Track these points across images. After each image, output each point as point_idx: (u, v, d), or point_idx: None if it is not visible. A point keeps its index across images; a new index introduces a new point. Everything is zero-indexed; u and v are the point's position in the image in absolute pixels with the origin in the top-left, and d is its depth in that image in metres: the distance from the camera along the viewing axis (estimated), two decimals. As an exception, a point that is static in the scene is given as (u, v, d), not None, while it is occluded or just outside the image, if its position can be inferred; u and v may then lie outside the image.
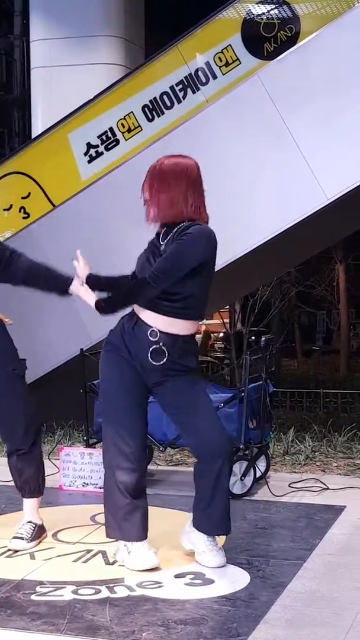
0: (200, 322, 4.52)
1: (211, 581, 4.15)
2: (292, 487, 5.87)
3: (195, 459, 4.43)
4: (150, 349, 4.26)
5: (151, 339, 4.26)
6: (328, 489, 5.83)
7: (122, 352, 4.34)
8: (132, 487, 4.33)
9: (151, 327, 4.27)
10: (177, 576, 4.22)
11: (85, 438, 6.30)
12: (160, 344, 4.25)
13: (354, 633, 3.51)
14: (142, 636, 3.53)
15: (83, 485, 5.99)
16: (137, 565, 4.29)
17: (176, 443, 5.96)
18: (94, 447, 6.25)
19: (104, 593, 4.01)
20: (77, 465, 6.03)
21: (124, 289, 4.49)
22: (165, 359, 4.26)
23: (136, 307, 4.34)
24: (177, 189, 4.35)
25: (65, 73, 11.21)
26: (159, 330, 4.26)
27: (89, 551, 4.64)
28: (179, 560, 4.46)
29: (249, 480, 5.70)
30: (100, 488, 5.86)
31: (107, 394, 4.43)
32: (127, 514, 4.32)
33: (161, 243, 4.44)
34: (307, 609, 3.79)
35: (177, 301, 4.26)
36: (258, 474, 5.84)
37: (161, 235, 4.46)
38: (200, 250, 4.28)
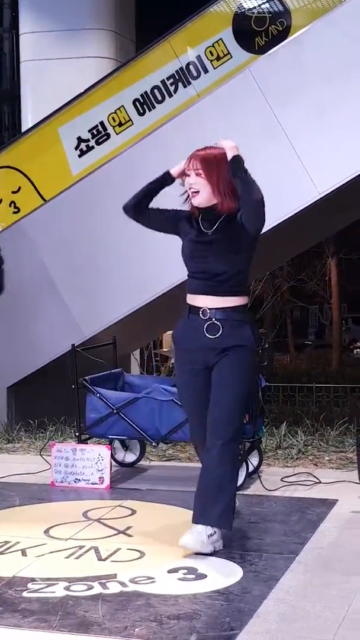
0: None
1: (204, 576, 4.17)
2: (285, 482, 5.89)
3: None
4: (206, 325, 4.57)
5: (203, 317, 4.58)
6: (320, 482, 5.86)
7: (185, 346, 4.70)
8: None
9: (201, 307, 4.59)
10: (170, 571, 4.24)
11: (77, 434, 6.31)
12: (213, 319, 4.57)
13: (346, 626, 3.54)
14: (134, 632, 3.54)
15: (75, 482, 6.00)
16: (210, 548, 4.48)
17: (169, 438, 5.98)
18: (86, 443, 6.26)
19: (97, 589, 4.03)
20: (69, 461, 6.03)
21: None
22: (220, 332, 4.56)
23: (187, 301, 4.68)
24: (225, 175, 4.58)
25: (55, 66, 11.20)
26: (208, 308, 4.58)
27: (81, 547, 4.65)
28: (172, 556, 4.47)
29: (241, 474, 5.71)
30: (93, 484, 5.89)
31: (180, 394, 4.90)
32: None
33: (205, 231, 4.65)
34: (300, 602, 3.81)
35: (225, 281, 4.58)
36: (251, 469, 5.86)
37: (201, 223, 4.67)
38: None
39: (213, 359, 4.61)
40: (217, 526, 4.48)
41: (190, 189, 4.63)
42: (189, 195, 4.67)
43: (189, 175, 4.63)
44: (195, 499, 4.54)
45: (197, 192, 4.59)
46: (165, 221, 4.84)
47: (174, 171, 4.73)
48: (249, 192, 4.51)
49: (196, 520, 4.49)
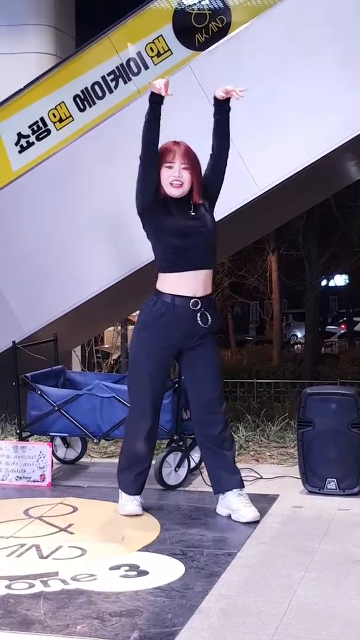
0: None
1: (146, 572, 4.15)
2: (226, 477, 5.89)
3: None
4: (198, 315, 4.89)
5: (193, 308, 4.88)
6: (262, 478, 5.87)
7: (159, 334, 4.92)
8: (151, 451, 5.10)
9: (190, 297, 4.87)
10: (111, 568, 4.22)
11: (17, 431, 6.25)
12: (202, 309, 4.91)
13: (287, 621, 3.55)
14: (76, 629, 3.52)
15: (16, 479, 5.94)
16: (124, 510, 5.06)
17: (110, 435, 5.95)
18: (27, 441, 6.21)
19: (38, 587, 3.99)
20: (10, 459, 5.98)
21: None
22: (210, 320, 4.94)
23: (168, 289, 4.90)
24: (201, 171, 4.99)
25: (-6, 62, 11.10)
26: (197, 298, 4.87)
27: (22, 545, 4.61)
28: (114, 553, 4.45)
29: (183, 470, 5.72)
30: (34, 482, 5.85)
31: (134, 369, 5.07)
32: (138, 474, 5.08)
33: (192, 213, 4.94)
34: (241, 598, 3.81)
35: (212, 257, 5.00)
36: (192, 465, 5.86)
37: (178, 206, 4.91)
38: None
39: (192, 343, 4.96)
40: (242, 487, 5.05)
41: (174, 180, 4.85)
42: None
43: (171, 168, 4.86)
44: (221, 469, 5.02)
45: (181, 184, 4.86)
46: (154, 180, 4.93)
47: (159, 88, 4.91)
48: (228, 133, 5.09)
49: (239, 484, 5.01)
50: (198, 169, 4.94)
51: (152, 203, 4.90)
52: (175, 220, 4.89)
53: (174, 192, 4.87)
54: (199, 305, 4.89)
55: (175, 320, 4.89)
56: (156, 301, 4.93)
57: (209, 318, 4.93)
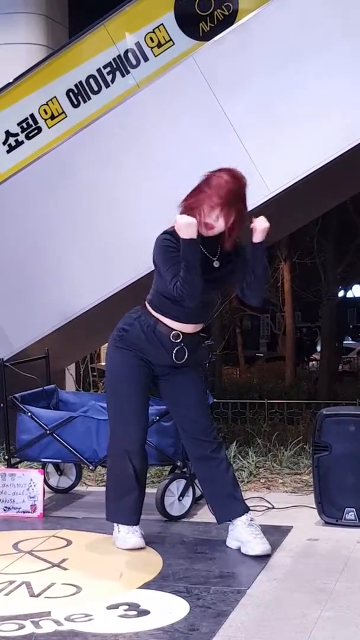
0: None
1: (147, 612, 4.15)
2: (235, 507, 5.89)
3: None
4: (175, 350, 4.98)
5: (174, 340, 4.98)
6: (273, 508, 5.87)
7: (135, 347, 5.01)
8: (142, 473, 5.13)
9: (173, 329, 4.97)
10: (109, 607, 4.21)
11: (6, 457, 6.26)
12: (182, 344, 4.99)
13: (302, 665, 3.55)
14: (71, 675, 3.51)
15: (4, 510, 5.94)
16: (126, 544, 5.06)
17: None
18: (17, 468, 6.21)
19: (29, 628, 3.99)
20: (-3, 487, 5.98)
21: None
22: (186, 357, 5.00)
23: (155, 313, 4.98)
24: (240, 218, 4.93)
25: (-20, 53, 11.12)
26: (180, 332, 4.97)
27: (11, 582, 4.61)
28: (112, 590, 4.45)
29: (187, 500, 5.72)
30: (24, 512, 5.85)
31: (113, 382, 5.12)
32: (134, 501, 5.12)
33: (212, 258, 4.95)
34: (252, 640, 3.81)
35: (211, 309, 5.12)
36: (198, 494, 5.85)
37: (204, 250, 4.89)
38: None
39: (166, 371, 5.09)
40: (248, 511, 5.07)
41: (210, 221, 4.83)
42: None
43: (213, 209, 4.81)
44: (220, 497, 5.06)
45: (213, 228, 4.85)
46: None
47: (192, 231, 4.77)
48: (263, 280, 5.04)
49: (244, 510, 5.04)
50: (235, 218, 4.84)
51: None
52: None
53: (202, 232, 4.84)
54: (180, 339, 4.98)
55: (153, 342, 4.99)
56: (140, 315, 5.03)
57: (186, 355, 5.00)
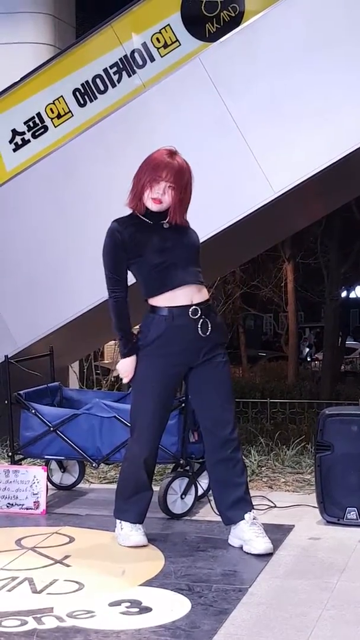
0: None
1: (149, 609, 4.14)
2: (237, 506, 5.88)
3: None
4: (199, 324, 4.94)
5: (193, 316, 4.94)
6: (275, 507, 5.86)
7: (159, 347, 4.97)
8: (152, 473, 5.18)
9: (188, 305, 4.94)
10: (111, 604, 4.21)
11: (10, 454, 6.25)
12: (203, 316, 4.96)
13: (303, 663, 3.54)
14: (72, 671, 3.51)
15: (7, 507, 5.94)
16: (128, 542, 5.06)
17: (111, 459, 5.95)
18: (20, 464, 6.21)
19: (31, 624, 3.98)
20: (1, 484, 5.97)
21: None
22: (209, 330, 4.97)
23: (157, 301, 4.98)
24: (189, 191, 5.00)
25: (-12, 53, 11.12)
26: (195, 305, 4.94)
27: (14, 579, 4.60)
28: (114, 587, 4.45)
29: (190, 498, 5.71)
30: (27, 509, 5.84)
31: (139, 386, 5.09)
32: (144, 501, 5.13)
33: (161, 222, 4.99)
34: (253, 638, 3.80)
35: (195, 266, 5.02)
36: (200, 492, 5.85)
37: (151, 217, 4.99)
38: None
39: (200, 359, 5.00)
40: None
41: (155, 197, 4.90)
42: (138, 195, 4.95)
43: (158, 183, 4.87)
44: (230, 501, 5.03)
45: (160, 202, 4.91)
46: (125, 265, 5.05)
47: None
48: None
49: (249, 508, 5.04)
50: (186, 191, 4.95)
51: (128, 249, 5.00)
52: (147, 235, 4.97)
53: (152, 207, 4.93)
54: (199, 313, 4.95)
55: (177, 333, 4.95)
56: (153, 318, 4.99)
57: (209, 326, 4.97)
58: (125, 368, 5.03)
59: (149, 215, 4.98)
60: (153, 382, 5.00)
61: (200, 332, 4.94)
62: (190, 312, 4.93)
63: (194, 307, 4.94)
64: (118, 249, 4.96)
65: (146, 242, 4.95)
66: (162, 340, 4.95)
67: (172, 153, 4.96)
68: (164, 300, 4.95)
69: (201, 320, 4.94)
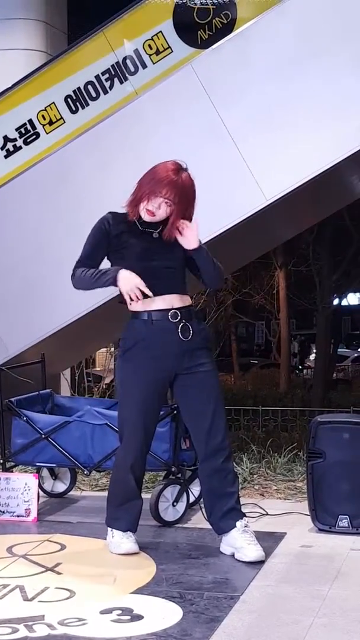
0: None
1: (140, 617, 4.14)
2: (229, 513, 5.88)
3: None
4: (179, 328, 4.94)
5: (173, 320, 4.93)
6: (267, 514, 5.87)
7: (142, 352, 4.96)
8: (141, 480, 5.16)
9: (167, 309, 4.93)
10: (102, 612, 4.21)
11: (1, 461, 6.25)
12: (184, 320, 4.95)
13: (295, 671, 3.54)
14: None
15: (-1, 514, 5.94)
16: (120, 549, 5.04)
17: (102, 466, 5.95)
18: (11, 472, 6.20)
19: (22, 632, 3.98)
20: (-9, 491, 5.97)
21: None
22: (191, 334, 4.96)
23: (136, 306, 4.94)
24: (192, 207, 5.01)
25: (-21, 59, 11.12)
26: (175, 309, 4.94)
27: (5, 586, 4.60)
28: (105, 595, 4.45)
29: (181, 505, 5.71)
30: (19, 516, 5.84)
31: (124, 394, 5.07)
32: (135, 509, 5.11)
33: (150, 230, 5.01)
34: (245, 646, 3.80)
35: (178, 275, 5.03)
36: (192, 499, 5.85)
37: (141, 224, 5.01)
38: None
39: (184, 364, 4.98)
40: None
41: (153, 209, 4.91)
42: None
43: (156, 197, 4.88)
44: (222, 511, 5.01)
45: (153, 215, 4.92)
46: (102, 255, 5.11)
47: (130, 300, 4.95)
48: (217, 278, 5.15)
49: (240, 516, 5.03)
50: (187, 209, 4.95)
51: (108, 245, 5.06)
52: (132, 243, 4.99)
53: (145, 217, 4.96)
54: (179, 316, 4.95)
55: (158, 335, 4.95)
56: (133, 322, 5.01)
57: (191, 330, 4.96)
58: (126, 278, 4.88)
59: (142, 222, 4.99)
60: (139, 387, 4.98)
61: (180, 335, 4.93)
62: (169, 316, 4.94)
63: (173, 310, 4.94)
64: (102, 235, 5.02)
65: (131, 246, 4.97)
66: (144, 343, 4.96)
67: (179, 170, 4.92)
68: (143, 305, 4.94)
69: (181, 324, 4.94)
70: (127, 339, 5.02)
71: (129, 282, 4.85)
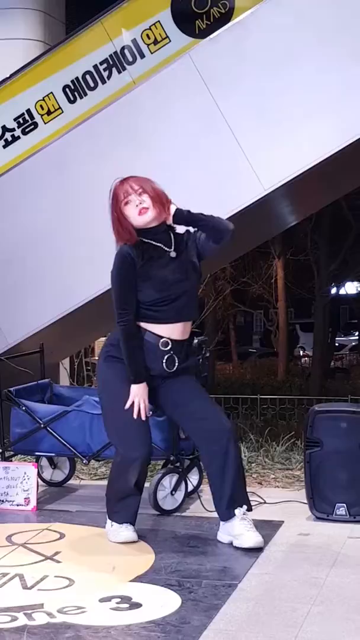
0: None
1: (139, 605, 4.16)
2: (227, 502, 5.89)
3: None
4: (165, 357, 4.95)
5: (163, 348, 4.94)
6: (265, 503, 5.88)
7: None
8: (143, 478, 5.13)
9: (162, 337, 4.92)
10: (101, 600, 4.22)
11: (0, 451, 6.26)
12: (172, 352, 4.95)
13: (292, 658, 3.55)
14: (63, 666, 3.52)
15: (-2, 503, 5.95)
16: (118, 538, 5.04)
17: (101, 455, 5.96)
18: (11, 461, 6.21)
19: (21, 620, 3.99)
20: (-9, 480, 5.98)
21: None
22: (176, 365, 4.98)
23: (141, 323, 4.94)
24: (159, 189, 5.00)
25: (-23, 49, 11.09)
26: (169, 339, 4.94)
27: (4, 575, 4.61)
28: (104, 583, 4.46)
29: (180, 494, 5.72)
30: (18, 505, 5.85)
31: (109, 396, 5.08)
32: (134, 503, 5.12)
33: (168, 250, 4.99)
34: (242, 633, 3.81)
35: (192, 302, 5.07)
36: (190, 488, 5.86)
37: (157, 243, 4.98)
38: None
39: (159, 381, 5.04)
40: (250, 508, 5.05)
41: (139, 205, 4.89)
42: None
43: (128, 202, 4.89)
44: (227, 497, 4.97)
45: (147, 208, 4.90)
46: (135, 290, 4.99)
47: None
48: (219, 223, 5.02)
49: (242, 504, 4.99)
50: (154, 189, 4.95)
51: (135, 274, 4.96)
52: (154, 269, 4.95)
53: (143, 219, 4.92)
54: (169, 346, 4.96)
55: (144, 349, 4.96)
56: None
57: (176, 363, 4.98)
58: (136, 391, 4.98)
59: (148, 234, 4.95)
60: (121, 387, 4.99)
61: (164, 365, 4.98)
62: (160, 344, 4.95)
63: (165, 339, 4.94)
64: (130, 268, 4.91)
65: (153, 272, 4.93)
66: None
67: (123, 178, 4.97)
68: (145, 324, 4.96)
69: (168, 355, 4.96)
70: (116, 346, 5.02)
71: (137, 395, 4.95)
